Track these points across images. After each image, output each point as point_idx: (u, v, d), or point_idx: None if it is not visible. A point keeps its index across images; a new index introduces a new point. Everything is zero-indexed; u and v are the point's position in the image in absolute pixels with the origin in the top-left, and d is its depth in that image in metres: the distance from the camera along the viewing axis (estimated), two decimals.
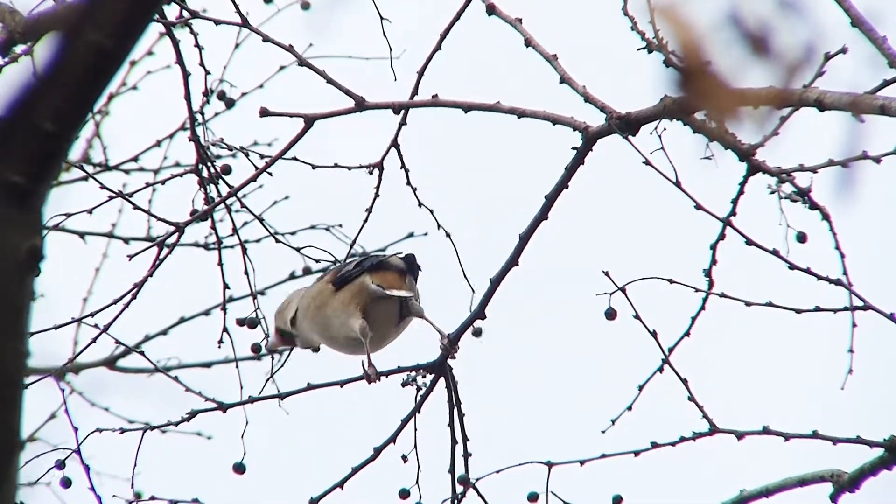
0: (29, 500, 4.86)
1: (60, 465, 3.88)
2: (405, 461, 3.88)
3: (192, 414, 3.84)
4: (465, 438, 3.91)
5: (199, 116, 4.06)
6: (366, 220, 3.95)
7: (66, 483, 3.90)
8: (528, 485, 3.90)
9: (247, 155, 4.02)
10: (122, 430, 3.90)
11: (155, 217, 3.95)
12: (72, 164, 5.17)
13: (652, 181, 3.64)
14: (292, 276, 5.23)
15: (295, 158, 3.83)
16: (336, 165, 3.88)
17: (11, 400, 1.99)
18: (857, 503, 3.81)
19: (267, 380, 3.95)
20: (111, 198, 4.06)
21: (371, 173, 3.92)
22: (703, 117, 3.41)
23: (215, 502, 4.03)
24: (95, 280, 5.54)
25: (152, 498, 3.92)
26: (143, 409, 3.96)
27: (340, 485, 3.87)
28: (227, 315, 4.06)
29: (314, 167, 3.84)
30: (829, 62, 3.44)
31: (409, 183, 3.98)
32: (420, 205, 4.03)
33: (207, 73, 4.05)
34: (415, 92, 3.87)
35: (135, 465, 3.87)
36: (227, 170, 4.07)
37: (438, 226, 4.10)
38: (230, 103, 4.30)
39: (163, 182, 4.22)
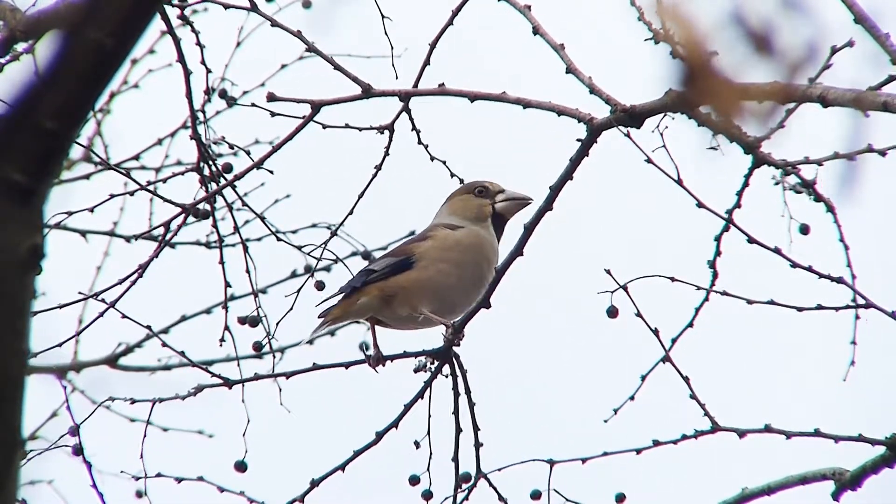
0: (30, 498, 4.86)
1: (74, 431, 3.88)
2: (417, 447, 3.90)
3: (199, 388, 3.84)
4: (475, 428, 3.91)
5: (200, 115, 4.06)
6: (374, 177, 3.94)
7: (78, 451, 3.89)
8: (531, 481, 3.90)
9: (248, 153, 4.02)
10: (133, 401, 3.90)
11: (161, 198, 3.95)
12: (87, 149, 5.17)
13: (656, 175, 3.64)
14: (293, 275, 5.23)
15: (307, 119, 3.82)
16: (347, 126, 3.88)
17: (12, 398, 1.99)
18: (858, 501, 3.81)
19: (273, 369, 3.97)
20: (112, 196, 4.07)
21: (381, 133, 3.92)
22: (708, 111, 3.41)
23: (219, 483, 4.05)
24: (97, 278, 5.54)
25: (158, 475, 3.93)
26: (145, 407, 3.95)
27: (342, 467, 3.88)
28: (228, 313, 4.06)
29: (325, 127, 3.83)
30: (834, 57, 3.43)
31: (420, 142, 4.00)
32: (432, 158, 4.05)
33: (209, 71, 4.05)
34: (425, 64, 3.88)
35: (144, 436, 3.87)
36: (228, 168, 4.07)
37: (452, 174, 4.12)
38: (232, 101, 4.30)
39: (164, 180, 4.22)
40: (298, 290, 4.00)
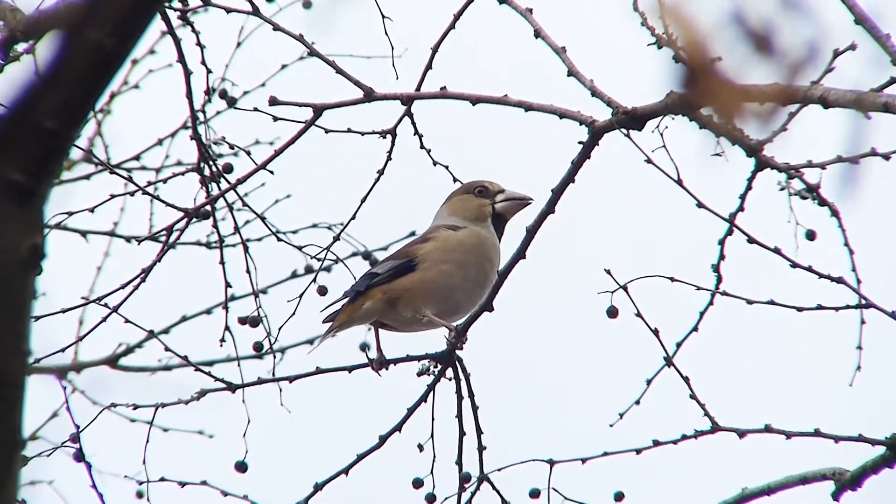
0: (30, 499, 4.86)
1: (75, 438, 3.88)
2: (421, 450, 3.90)
3: (202, 393, 3.84)
4: (479, 431, 3.92)
5: (200, 115, 4.06)
6: (376, 181, 3.94)
7: (80, 456, 3.89)
8: (531, 481, 3.90)
9: (248, 153, 4.02)
10: (136, 407, 3.90)
11: (163, 202, 3.95)
12: (87, 153, 5.17)
13: (656, 177, 3.64)
14: (294, 275, 5.23)
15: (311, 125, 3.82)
16: (349, 130, 3.88)
17: (13, 399, 1.99)
18: (859, 501, 3.81)
19: (273, 370, 3.98)
20: (113, 196, 4.07)
21: (384, 138, 3.92)
22: (710, 113, 3.41)
23: (222, 486, 4.05)
24: (97, 279, 5.54)
25: (162, 479, 3.93)
26: (147, 409, 3.95)
27: (345, 471, 3.88)
28: (228, 314, 4.06)
29: (327, 131, 3.84)
30: (836, 59, 3.43)
31: (422, 146, 4.00)
32: (435, 164, 4.06)
33: (209, 71, 4.05)
34: (427, 69, 3.88)
35: (147, 441, 3.87)
36: (228, 168, 4.07)
37: (455, 179, 4.13)
38: (232, 102, 4.30)
39: (164, 181, 4.22)
40: (301, 295, 4.00)
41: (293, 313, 3.99)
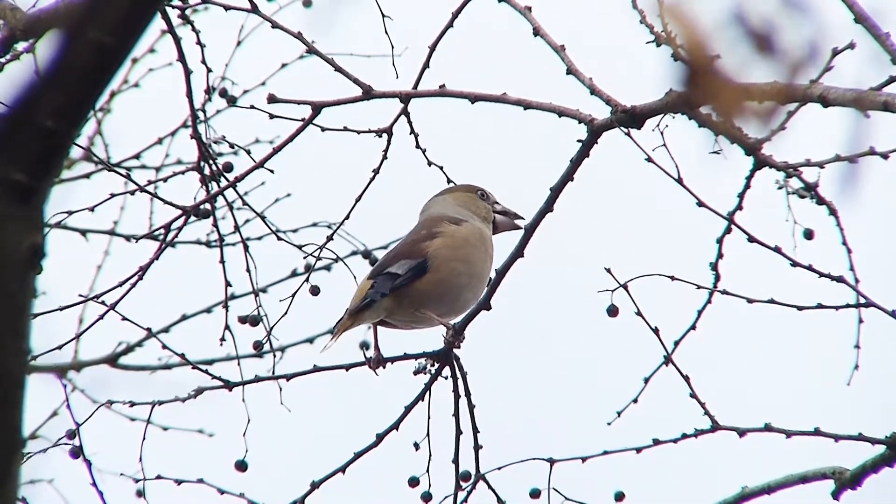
0: (30, 498, 4.86)
1: (71, 434, 3.88)
2: (417, 449, 3.90)
3: (199, 391, 3.84)
4: (475, 430, 3.92)
5: (200, 114, 4.06)
6: (371, 181, 3.94)
7: (76, 453, 3.89)
8: (531, 480, 3.90)
9: (248, 152, 4.03)
10: (132, 404, 3.90)
11: (162, 201, 3.95)
12: (87, 151, 5.17)
13: (657, 175, 3.64)
14: (294, 274, 5.23)
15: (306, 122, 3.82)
16: (345, 129, 3.88)
17: (13, 398, 1.99)
18: (858, 500, 3.81)
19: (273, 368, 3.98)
20: (112, 195, 4.07)
21: (380, 136, 3.92)
22: (709, 111, 3.41)
23: (220, 484, 4.06)
24: (97, 277, 5.54)
25: (158, 477, 3.93)
26: (146, 407, 3.95)
27: (342, 469, 3.88)
28: (228, 312, 4.06)
29: (323, 129, 3.84)
30: (835, 58, 3.43)
31: (418, 146, 4.00)
32: (430, 164, 4.06)
33: (209, 70, 4.05)
34: (424, 67, 3.88)
35: (143, 439, 3.87)
36: (228, 167, 4.07)
37: (449, 181, 4.13)
38: (232, 100, 4.30)
39: (164, 179, 4.23)
40: (294, 294, 3.99)
41: (285, 313, 3.99)
